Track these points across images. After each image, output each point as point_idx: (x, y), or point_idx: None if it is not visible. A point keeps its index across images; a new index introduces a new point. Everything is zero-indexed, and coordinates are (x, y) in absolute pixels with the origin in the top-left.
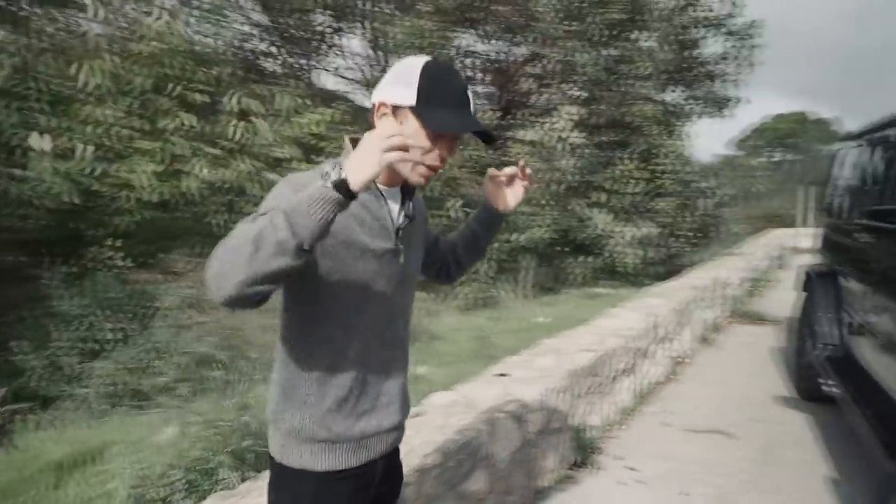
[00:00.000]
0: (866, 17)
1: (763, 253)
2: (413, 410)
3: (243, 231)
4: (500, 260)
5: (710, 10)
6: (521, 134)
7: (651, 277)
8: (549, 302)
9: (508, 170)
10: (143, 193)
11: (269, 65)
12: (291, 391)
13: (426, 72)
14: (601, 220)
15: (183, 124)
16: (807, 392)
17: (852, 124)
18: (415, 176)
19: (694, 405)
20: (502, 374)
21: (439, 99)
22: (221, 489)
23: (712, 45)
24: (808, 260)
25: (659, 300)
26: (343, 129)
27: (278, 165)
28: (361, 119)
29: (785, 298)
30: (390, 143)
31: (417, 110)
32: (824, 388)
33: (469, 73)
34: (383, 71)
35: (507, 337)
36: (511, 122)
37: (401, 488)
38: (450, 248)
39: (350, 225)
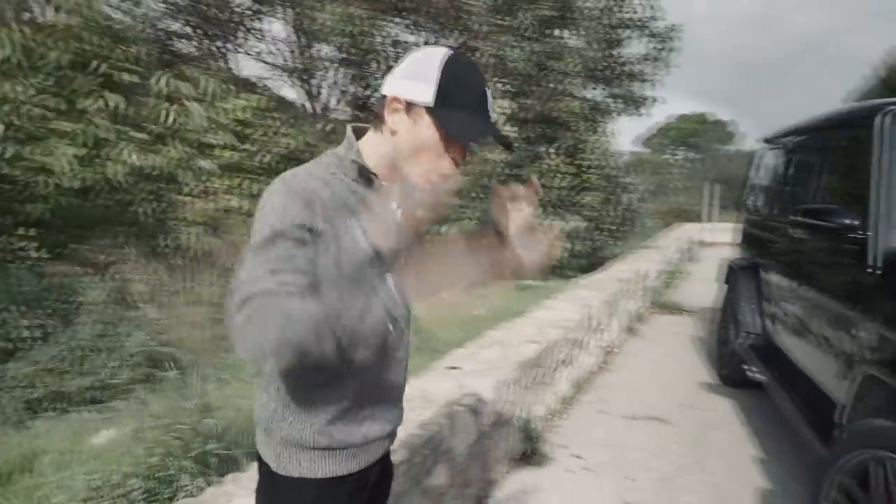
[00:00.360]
0: (761, 26)
1: (675, 246)
2: None
3: (281, 311)
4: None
5: (635, 12)
6: None
7: (574, 269)
8: (481, 294)
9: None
10: (64, 179)
11: (183, 46)
12: (291, 399)
13: (447, 68)
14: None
15: (107, 105)
16: (730, 378)
17: (747, 126)
18: (423, 181)
19: (628, 393)
20: (453, 367)
21: (460, 100)
22: (184, 496)
23: (635, 46)
24: (720, 253)
25: (590, 292)
26: (269, 116)
27: (210, 153)
28: (286, 107)
29: (698, 290)
30: None
31: (435, 111)
32: (749, 374)
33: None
34: (308, 58)
35: (448, 330)
36: None
37: (391, 486)
38: None
39: (353, 224)
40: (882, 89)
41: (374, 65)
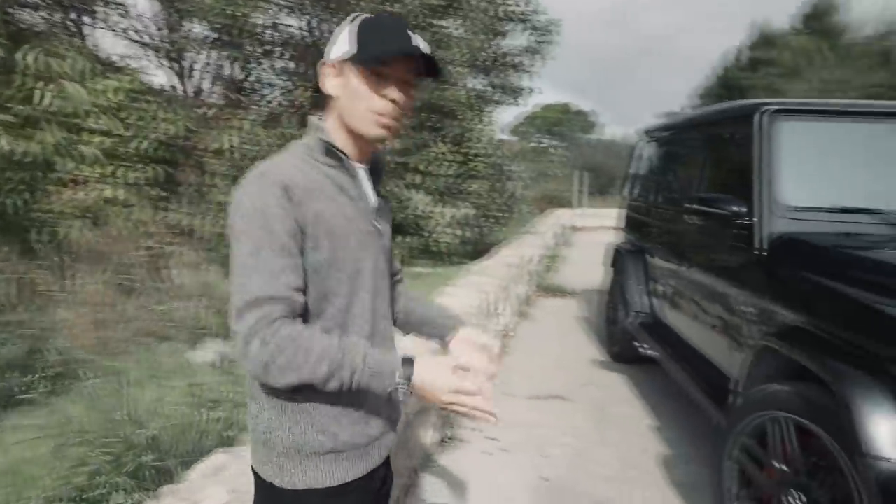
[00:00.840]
0: (618, 21)
1: (551, 232)
2: None
3: (298, 344)
4: None
5: (517, 6)
6: None
7: (461, 256)
8: None
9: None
10: None
11: (29, 17)
12: (287, 403)
13: (363, 22)
14: (420, 201)
15: None
16: (621, 356)
17: (605, 117)
18: (373, 129)
19: (528, 374)
20: None
21: (377, 40)
22: None
23: (518, 38)
24: (592, 238)
25: (484, 278)
26: (144, 99)
27: (79, 138)
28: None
29: (577, 273)
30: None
31: (357, 57)
32: (641, 350)
33: (279, 48)
34: (180, 37)
35: None
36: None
37: (391, 492)
38: (406, 299)
39: (333, 210)
40: (720, 87)
41: (250, 47)
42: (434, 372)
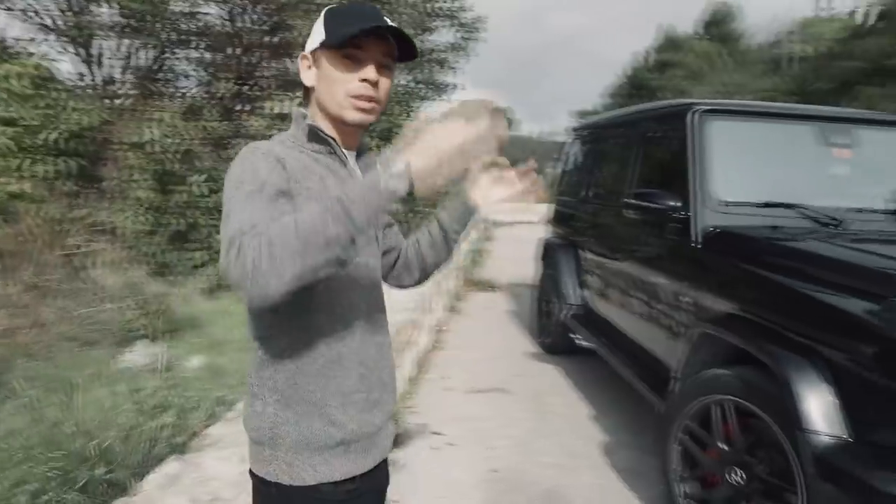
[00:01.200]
0: (533, 21)
1: (474, 227)
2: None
3: (281, 222)
4: None
5: (445, 2)
6: (268, 106)
7: None
8: None
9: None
10: None
11: None
12: (292, 394)
13: (332, 9)
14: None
15: None
16: (553, 347)
17: (522, 113)
18: (351, 113)
19: (465, 368)
20: None
21: (345, 23)
22: None
23: (445, 35)
24: (512, 232)
25: None
26: (54, 88)
27: None
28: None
29: (501, 267)
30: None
31: (325, 42)
32: (577, 342)
33: (195, 38)
34: (87, 21)
35: None
36: (250, 92)
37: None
38: (411, 244)
39: (324, 190)
40: (630, 87)
41: (164, 35)
42: (427, 135)
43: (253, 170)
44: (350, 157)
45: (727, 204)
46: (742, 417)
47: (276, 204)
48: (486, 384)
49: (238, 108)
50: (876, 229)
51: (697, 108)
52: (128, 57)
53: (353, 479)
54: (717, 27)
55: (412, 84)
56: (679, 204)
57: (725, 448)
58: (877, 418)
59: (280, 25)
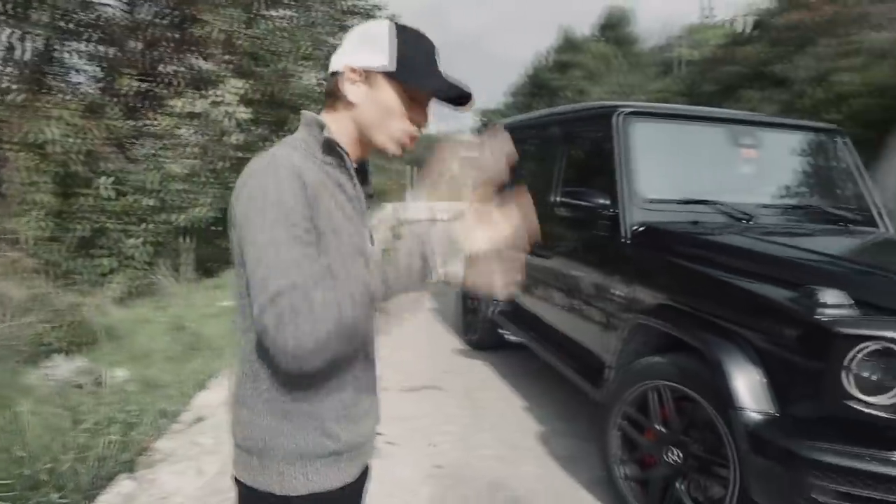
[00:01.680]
0: (436, 20)
1: (384, 225)
2: (191, 416)
3: (327, 303)
4: (156, 243)
5: (360, 0)
6: (179, 104)
7: None
8: (220, 284)
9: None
10: None
11: None
12: (290, 409)
13: (400, 33)
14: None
15: None
16: (479, 343)
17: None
18: (394, 146)
19: (396, 368)
20: None
21: (417, 61)
22: None
23: None
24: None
25: None
26: None
27: None
28: None
29: None
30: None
31: (396, 74)
32: (507, 337)
33: (89, 30)
34: None
35: (208, 325)
36: (156, 90)
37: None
38: None
39: (334, 210)
40: (531, 86)
41: (52, 24)
42: (458, 229)
43: (278, 196)
44: (354, 169)
45: (651, 201)
46: (677, 401)
47: (309, 251)
48: (419, 382)
49: (143, 106)
50: (781, 223)
51: (622, 110)
52: (9, 48)
53: (342, 487)
54: (613, 30)
55: (322, 82)
56: (608, 202)
57: (663, 430)
58: (798, 394)
59: (188, 19)
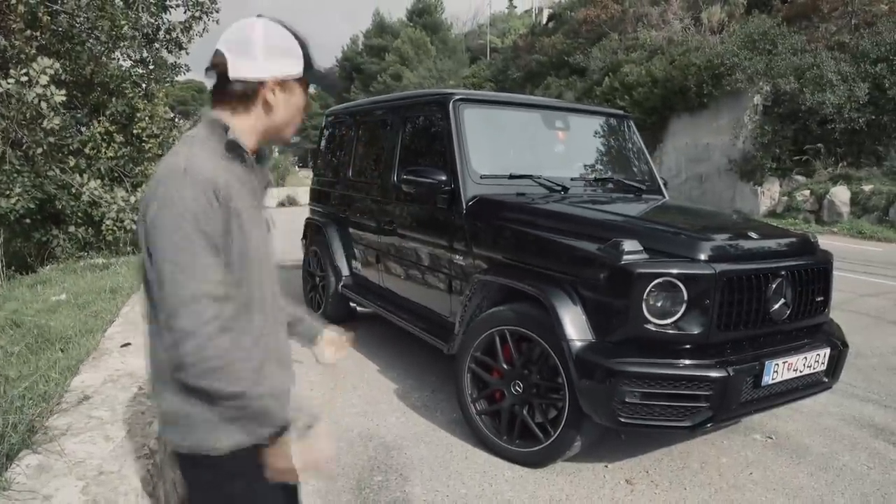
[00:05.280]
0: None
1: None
2: (75, 397)
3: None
4: None
5: None
6: None
7: (133, 245)
8: (44, 280)
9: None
10: None
11: None
12: (229, 370)
13: (296, 37)
14: (90, 187)
15: None
16: (329, 317)
17: None
18: (291, 134)
19: None
20: (126, 344)
21: (309, 59)
22: None
23: (180, 14)
24: (279, 215)
25: None
26: None
27: None
28: None
29: None
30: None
31: (305, 76)
32: (360, 309)
33: None
34: None
35: (50, 319)
36: None
37: None
38: None
39: (245, 205)
40: (342, 70)
41: None
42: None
43: (193, 213)
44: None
45: (483, 177)
46: (517, 342)
47: (220, 260)
48: None
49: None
50: (589, 192)
51: (455, 96)
52: None
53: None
54: (421, 17)
55: (138, 65)
56: (445, 178)
57: (507, 368)
58: (610, 324)
59: None
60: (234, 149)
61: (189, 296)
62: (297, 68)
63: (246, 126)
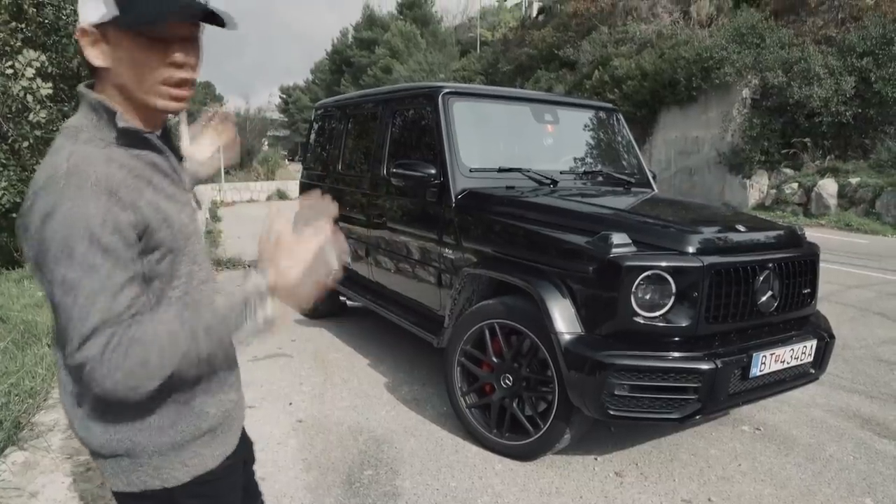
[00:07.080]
0: None
1: (202, 208)
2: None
3: (146, 331)
4: None
5: None
6: None
7: None
8: (30, 275)
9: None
10: None
11: None
12: (155, 401)
13: None
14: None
15: None
16: (314, 312)
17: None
18: (167, 103)
19: None
20: None
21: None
22: None
23: None
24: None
25: None
26: None
27: None
28: None
29: (239, 245)
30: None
31: (124, 19)
32: (349, 303)
33: None
34: None
35: (37, 314)
36: None
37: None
38: None
39: (158, 196)
40: (334, 62)
41: None
42: (283, 259)
43: (87, 226)
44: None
45: (473, 170)
46: (507, 335)
47: (124, 277)
48: (265, 352)
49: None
50: (578, 186)
51: (444, 90)
52: None
53: (224, 461)
54: (411, 9)
55: None
56: (435, 171)
57: (496, 361)
58: (599, 316)
59: None
60: (128, 135)
61: (89, 329)
62: (99, 10)
63: (111, 99)
